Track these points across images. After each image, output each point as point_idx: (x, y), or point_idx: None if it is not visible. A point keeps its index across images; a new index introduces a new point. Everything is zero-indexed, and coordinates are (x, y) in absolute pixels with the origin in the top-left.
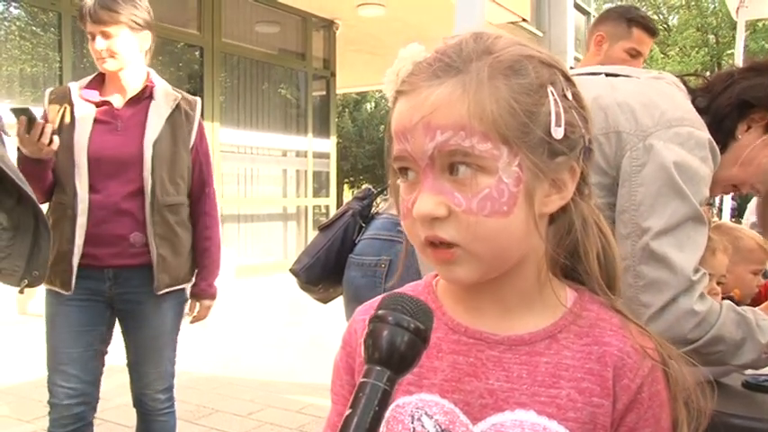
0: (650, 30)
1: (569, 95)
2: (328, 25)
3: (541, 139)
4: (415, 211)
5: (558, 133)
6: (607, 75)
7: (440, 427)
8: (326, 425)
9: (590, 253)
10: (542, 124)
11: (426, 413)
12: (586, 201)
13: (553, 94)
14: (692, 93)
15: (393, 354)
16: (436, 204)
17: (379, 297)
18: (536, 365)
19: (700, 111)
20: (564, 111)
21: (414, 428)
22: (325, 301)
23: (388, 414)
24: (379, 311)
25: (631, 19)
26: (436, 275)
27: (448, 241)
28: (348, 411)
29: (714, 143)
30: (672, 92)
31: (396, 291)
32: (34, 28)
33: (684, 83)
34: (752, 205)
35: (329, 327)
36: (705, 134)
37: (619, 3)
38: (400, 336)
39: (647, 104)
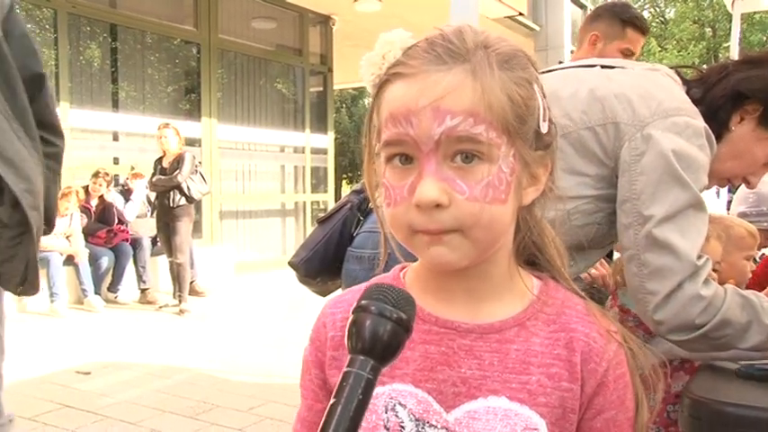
0: (643, 30)
1: (545, 94)
2: (325, 21)
3: (532, 131)
4: (418, 197)
5: (544, 128)
6: (602, 67)
7: (414, 416)
8: (297, 419)
9: (550, 243)
10: (534, 117)
11: (400, 402)
12: (548, 196)
13: (538, 91)
14: (687, 84)
15: (376, 343)
16: (440, 191)
17: (348, 291)
18: (506, 353)
19: (695, 101)
20: (546, 107)
21: (387, 418)
22: (323, 294)
23: None
24: (362, 301)
25: (626, 20)
26: (403, 268)
27: (446, 230)
28: (332, 400)
29: (710, 132)
30: (667, 83)
31: (371, 281)
32: (29, 25)
33: (679, 74)
34: (739, 194)
35: None
36: (701, 123)
37: None
38: (383, 325)
39: (643, 95)
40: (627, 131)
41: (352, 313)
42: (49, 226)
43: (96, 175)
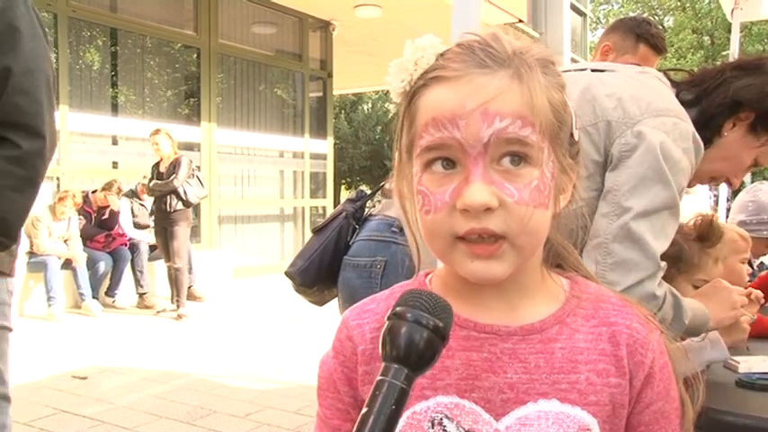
0: (657, 48)
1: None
2: (325, 26)
3: (567, 138)
4: (467, 201)
5: (576, 135)
6: (593, 70)
7: (463, 428)
8: None
9: (572, 249)
10: (569, 124)
11: (447, 416)
12: (576, 202)
13: (568, 98)
14: (677, 86)
15: (411, 352)
16: (491, 194)
17: (370, 299)
18: (552, 352)
19: (684, 104)
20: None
21: None
22: (320, 303)
23: (403, 422)
24: (398, 308)
25: (640, 35)
26: (428, 274)
27: (497, 234)
28: (364, 410)
29: (698, 137)
30: (656, 85)
31: (395, 288)
32: None
33: (668, 77)
34: (738, 202)
35: (326, 327)
36: (689, 126)
37: (615, 6)
38: (419, 333)
39: (633, 95)
40: (618, 128)
41: (387, 320)
42: (9, 239)
43: (110, 188)
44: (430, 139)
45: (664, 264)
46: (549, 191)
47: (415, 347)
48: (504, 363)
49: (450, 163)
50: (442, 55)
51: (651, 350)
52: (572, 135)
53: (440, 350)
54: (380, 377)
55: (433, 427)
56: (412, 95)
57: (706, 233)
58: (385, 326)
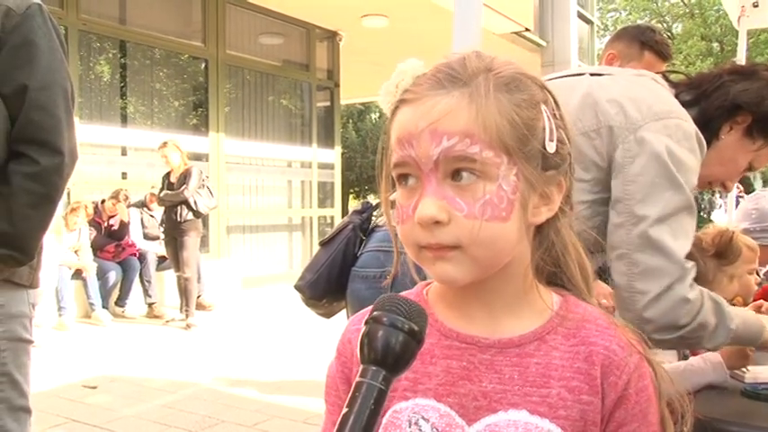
0: (662, 55)
1: (558, 115)
2: (332, 36)
3: (537, 151)
4: (417, 214)
5: (551, 147)
6: (591, 75)
7: (437, 429)
8: None
9: (571, 262)
10: (538, 138)
11: (423, 417)
12: (568, 215)
13: (546, 112)
14: (675, 87)
15: (388, 354)
16: (439, 208)
17: (371, 307)
18: (527, 366)
19: (684, 104)
20: (555, 128)
21: None
22: (328, 316)
23: (385, 420)
24: (375, 313)
25: (645, 42)
26: (427, 285)
27: (448, 246)
28: (344, 410)
29: (701, 135)
30: (655, 87)
31: (389, 294)
32: None
33: (666, 78)
34: (741, 210)
35: (335, 337)
36: (692, 126)
37: (622, 13)
38: (395, 336)
39: (634, 99)
40: (620, 134)
41: (365, 324)
42: (25, 255)
43: (116, 197)
44: (396, 156)
45: (691, 264)
46: (507, 204)
47: (392, 350)
48: (481, 372)
49: (413, 178)
50: (416, 78)
51: (627, 372)
52: (544, 148)
53: (416, 352)
54: (359, 379)
55: (410, 426)
56: (390, 116)
57: (724, 251)
58: (362, 330)
